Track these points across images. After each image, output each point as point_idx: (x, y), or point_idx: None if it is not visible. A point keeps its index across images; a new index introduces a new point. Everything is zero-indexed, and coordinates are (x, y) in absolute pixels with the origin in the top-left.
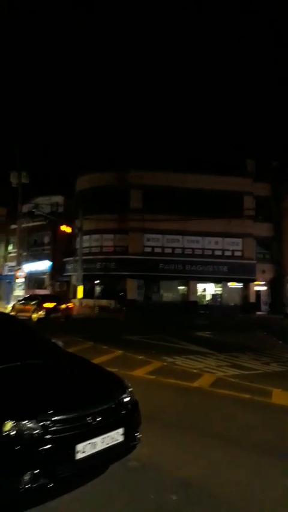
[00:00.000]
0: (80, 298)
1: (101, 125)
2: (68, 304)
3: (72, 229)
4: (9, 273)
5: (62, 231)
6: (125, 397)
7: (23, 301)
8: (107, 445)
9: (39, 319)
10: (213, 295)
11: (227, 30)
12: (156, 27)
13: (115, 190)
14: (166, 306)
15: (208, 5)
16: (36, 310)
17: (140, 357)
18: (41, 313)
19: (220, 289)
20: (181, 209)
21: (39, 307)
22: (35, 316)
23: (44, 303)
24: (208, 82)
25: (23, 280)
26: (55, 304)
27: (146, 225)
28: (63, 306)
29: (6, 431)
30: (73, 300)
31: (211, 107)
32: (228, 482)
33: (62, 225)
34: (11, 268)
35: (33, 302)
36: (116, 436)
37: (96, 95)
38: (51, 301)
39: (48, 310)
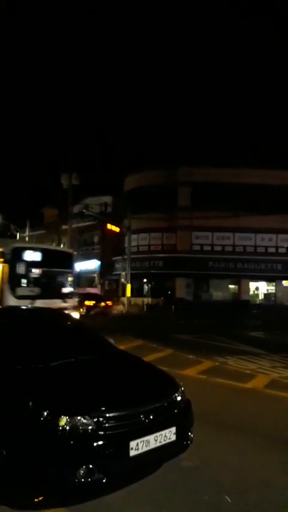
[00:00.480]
0: (129, 297)
1: (149, 125)
2: (107, 302)
3: (120, 229)
4: None
5: (110, 230)
6: (177, 396)
7: None
8: (160, 444)
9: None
10: (266, 294)
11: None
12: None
13: (163, 188)
14: (216, 305)
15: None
16: (76, 308)
17: (191, 356)
18: (82, 310)
19: (274, 287)
20: (232, 205)
21: (80, 305)
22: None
23: (85, 301)
24: (260, 72)
25: (74, 279)
26: (94, 302)
27: (194, 222)
28: (103, 304)
29: (61, 426)
30: (122, 298)
31: (262, 99)
32: (286, 488)
33: (109, 224)
34: None
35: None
36: (169, 434)
37: (144, 96)
38: (91, 300)
39: (88, 308)
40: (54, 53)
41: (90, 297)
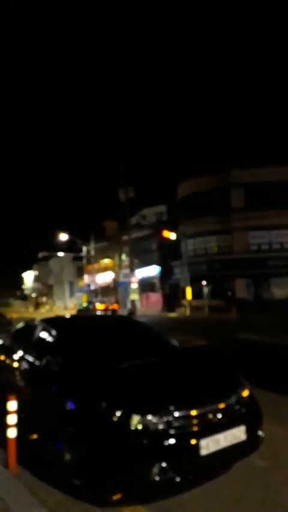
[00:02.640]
0: (190, 300)
1: (198, 132)
2: (113, 306)
3: (177, 235)
4: (125, 280)
5: (166, 237)
6: (245, 395)
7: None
8: (230, 443)
9: None
10: None
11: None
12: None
13: (216, 192)
14: (279, 304)
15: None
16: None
17: None
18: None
19: None
20: (286, 202)
21: (94, 309)
22: None
23: (96, 305)
24: None
25: (137, 285)
26: (105, 306)
27: (250, 222)
28: (110, 307)
29: (133, 425)
30: (182, 301)
31: None
32: None
33: (165, 231)
34: (126, 275)
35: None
36: (239, 433)
37: (189, 106)
38: (101, 304)
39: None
40: (99, 70)
41: (101, 302)
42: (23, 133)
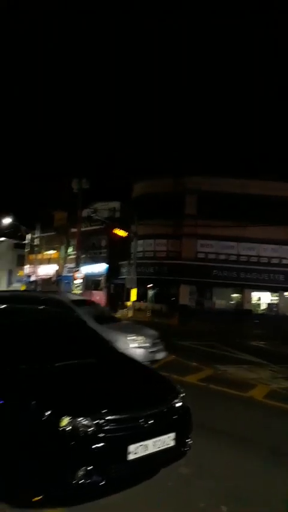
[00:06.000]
0: (133, 301)
1: (157, 132)
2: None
3: (127, 234)
4: (68, 274)
5: (117, 234)
6: (178, 402)
7: None
8: (159, 449)
9: None
10: (269, 305)
11: None
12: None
13: (170, 196)
14: (219, 313)
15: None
16: None
17: (192, 363)
18: None
19: (277, 298)
20: (238, 215)
21: None
22: None
23: None
24: (270, 82)
25: (81, 281)
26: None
27: (199, 230)
28: None
29: (62, 427)
30: (126, 303)
31: (273, 111)
32: (281, 500)
33: (117, 229)
34: (70, 270)
35: None
36: (168, 440)
37: (153, 102)
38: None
39: None
40: (65, 60)
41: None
42: None
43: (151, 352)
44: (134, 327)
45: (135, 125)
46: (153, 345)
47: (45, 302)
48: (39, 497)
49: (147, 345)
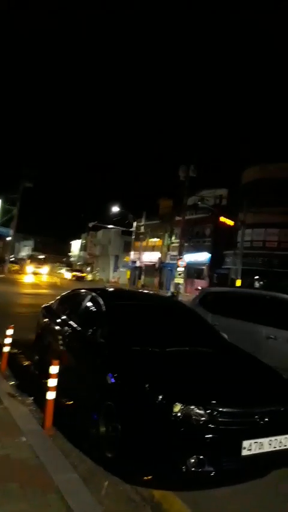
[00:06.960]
0: None
1: (267, 117)
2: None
3: (234, 223)
4: (171, 262)
5: (223, 223)
6: None
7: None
8: (274, 449)
9: None
10: None
11: None
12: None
13: (284, 182)
14: None
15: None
16: None
17: None
18: None
19: None
20: None
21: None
22: None
23: None
24: None
25: (183, 269)
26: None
27: None
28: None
29: (174, 413)
30: None
31: None
32: None
33: (223, 217)
34: (173, 257)
35: None
36: (285, 441)
37: (269, 82)
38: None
39: None
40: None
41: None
42: (92, 109)
43: None
44: None
45: (248, 108)
46: None
47: None
48: (149, 477)
49: None
